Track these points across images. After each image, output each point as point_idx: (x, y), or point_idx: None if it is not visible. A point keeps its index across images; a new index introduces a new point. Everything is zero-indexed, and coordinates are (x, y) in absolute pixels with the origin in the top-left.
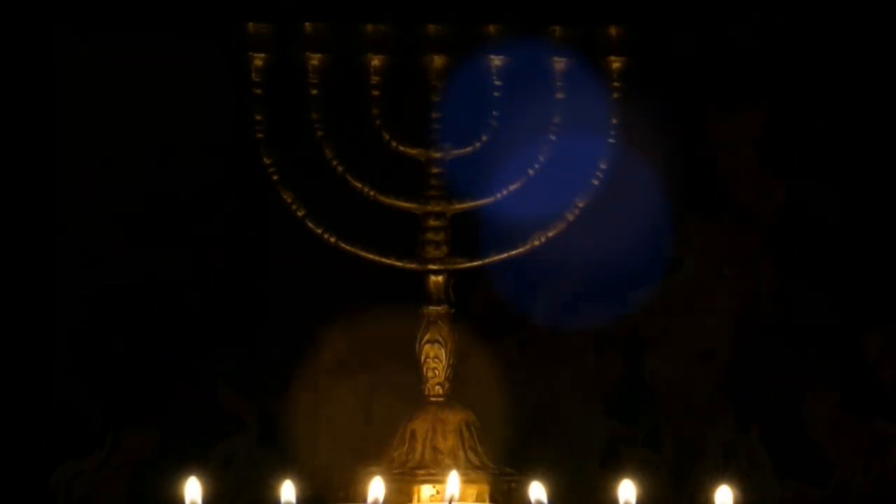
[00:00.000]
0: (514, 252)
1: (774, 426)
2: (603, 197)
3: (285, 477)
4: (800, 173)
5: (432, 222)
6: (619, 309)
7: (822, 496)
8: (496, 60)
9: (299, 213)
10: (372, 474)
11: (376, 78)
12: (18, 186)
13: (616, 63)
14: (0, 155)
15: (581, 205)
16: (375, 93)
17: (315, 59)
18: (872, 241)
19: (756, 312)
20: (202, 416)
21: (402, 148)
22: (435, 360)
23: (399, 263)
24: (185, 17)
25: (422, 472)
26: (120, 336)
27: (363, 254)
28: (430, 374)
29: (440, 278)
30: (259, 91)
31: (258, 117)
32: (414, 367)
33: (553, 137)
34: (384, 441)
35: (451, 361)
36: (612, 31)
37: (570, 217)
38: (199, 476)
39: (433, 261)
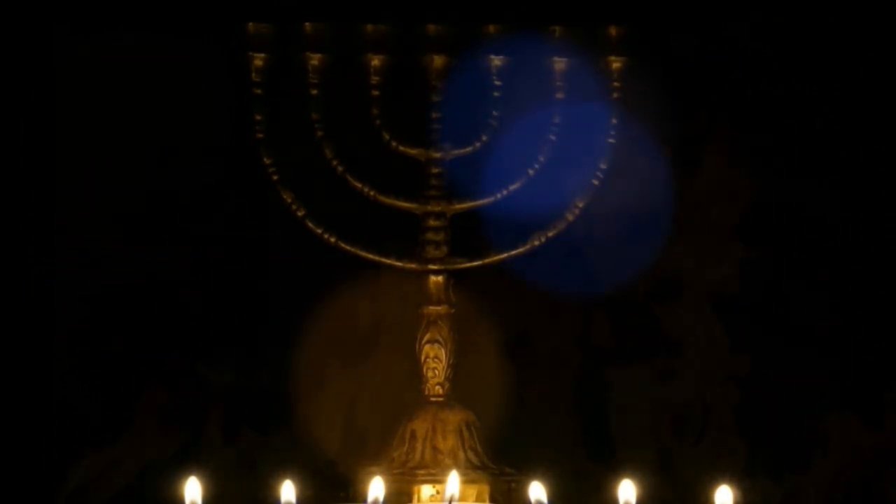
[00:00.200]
0: (514, 252)
1: (774, 426)
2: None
3: (285, 477)
4: (800, 173)
5: (432, 222)
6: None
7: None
8: (496, 60)
9: (299, 213)
10: (372, 474)
11: (376, 78)
12: (18, 186)
13: (616, 63)
14: (0, 155)
15: (581, 205)
16: (375, 93)
17: (315, 59)
18: (872, 241)
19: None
20: (202, 416)
21: (402, 148)
22: (435, 360)
23: (399, 263)
24: (185, 17)
25: (422, 472)
26: (120, 336)
27: (363, 254)
28: (430, 374)
29: (440, 278)
30: (259, 91)
31: (258, 117)
32: (413, 363)
33: (553, 137)
34: (383, 440)
35: (451, 361)
36: (612, 31)
37: (570, 217)
38: (199, 476)
39: (433, 261)
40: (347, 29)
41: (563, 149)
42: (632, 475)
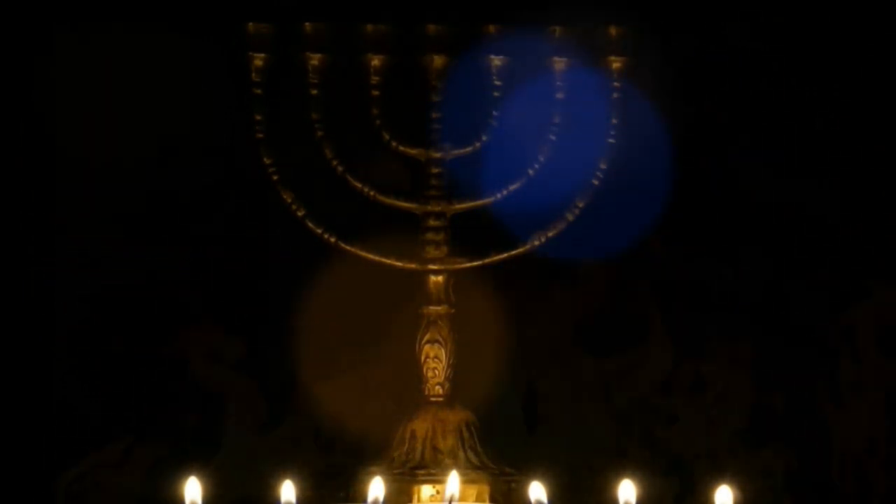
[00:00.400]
0: (514, 252)
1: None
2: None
3: (285, 477)
4: (800, 173)
5: (432, 222)
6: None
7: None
8: (496, 60)
9: (299, 213)
10: (372, 474)
11: (376, 78)
12: (18, 186)
13: (616, 63)
14: (0, 155)
15: (581, 205)
16: (375, 93)
17: (315, 59)
18: (873, 242)
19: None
20: (202, 416)
21: (402, 148)
22: (435, 360)
23: (399, 263)
24: (185, 17)
25: (422, 472)
26: (120, 336)
27: (363, 254)
28: (430, 374)
29: (440, 278)
30: (259, 91)
31: (258, 117)
32: (413, 365)
33: (553, 137)
34: (383, 440)
35: (451, 361)
36: (612, 31)
37: (570, 217)
38: (199, 476)
39: (433, 261)
40: (347, 29)
41: (563, 149)
42: (632, 475)
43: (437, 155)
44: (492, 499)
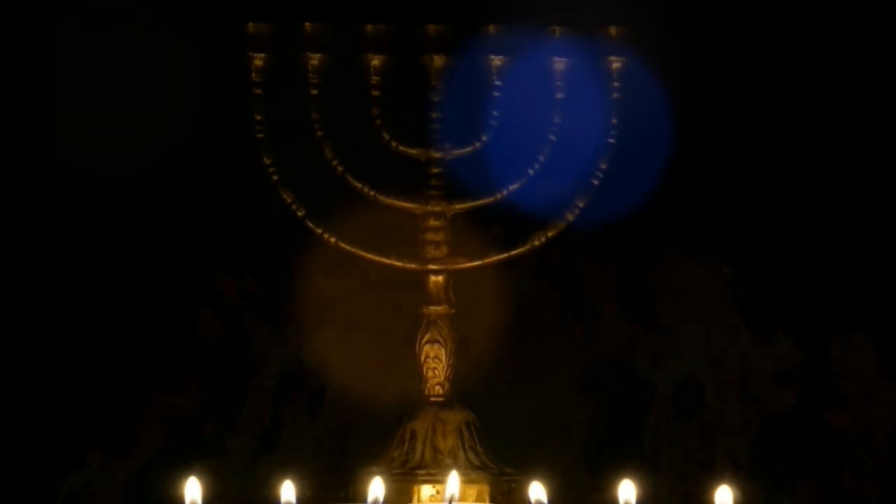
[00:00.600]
0: (514, 252)
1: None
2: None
3: (285, 477)
4: (800, 174)
5: (432, 222)
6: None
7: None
8: (496, 60)
9: (299, 213)
10: (372, 474)
11: (376, 78)
12: (18, 186)
13: (616, 63)
14: (0, 155)
15: (581, 205)
16: (375, 93)
17: (315, 59)
18: (873, 242)
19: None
20: (202, 416)
21: (402, 148)
22: (435, 360)
23: (399, 263)
24: (185, 17)
25: (422, 472)
26: (120, 336)
27: (363, 254)
28: (430, 374)
29: (440, 278)
30: (259, 91)
31: (258, 117)
32: (413, 363)
33: (553, 137)
34: (383, 440)
35: (451, 361)
36: (612, 31)
37: (570, 217)
38: (199, 476)
39: (433, 261)
40: (347, 29)
41: (563, 149)
42: (632, 475)
43: (437, 155)
44: (492, 499)
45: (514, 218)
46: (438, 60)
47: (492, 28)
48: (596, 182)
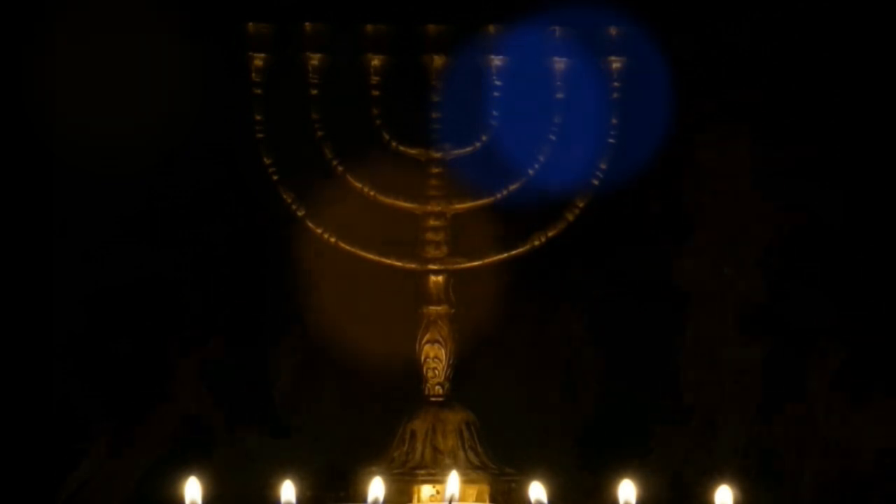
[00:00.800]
0: (514, 252)
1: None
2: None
3: (285, 477)
4: (800, 174)
5: (432, 222)
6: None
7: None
8: (496, 60)
9: (299, 213)
10: (372, 474)
11: (376, 78)
12: (18, 186)
13: (616, 63)
14: (0, 154)
15: (581, 205)
16: (375, 93)
17: (315, 59)
18: (874, 242)
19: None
20: (202, 417)
21: (402, 148)
22: (435, 360)
23: (399, 263)
24: (185, 17)
25: (422, 472)
26: (120, 336)
27: (363, 254)
28: (430, 374)
29: (440, 278)
30: (259, 91)
31: (258, 117)
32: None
33: (553, 137)
34: (383, 440)
35: (451, 361)
36: (612, 31)
37: (570, 217)
38: (199, 476)
39: (433, 261)
40: (347, 29)
41: (563, 149)
42: (632, 475)
43: (437, 155)
44: (492, 499)
45: (514, 218)
46: (438, 60)
47: (492, 28)
48: (596, 182)
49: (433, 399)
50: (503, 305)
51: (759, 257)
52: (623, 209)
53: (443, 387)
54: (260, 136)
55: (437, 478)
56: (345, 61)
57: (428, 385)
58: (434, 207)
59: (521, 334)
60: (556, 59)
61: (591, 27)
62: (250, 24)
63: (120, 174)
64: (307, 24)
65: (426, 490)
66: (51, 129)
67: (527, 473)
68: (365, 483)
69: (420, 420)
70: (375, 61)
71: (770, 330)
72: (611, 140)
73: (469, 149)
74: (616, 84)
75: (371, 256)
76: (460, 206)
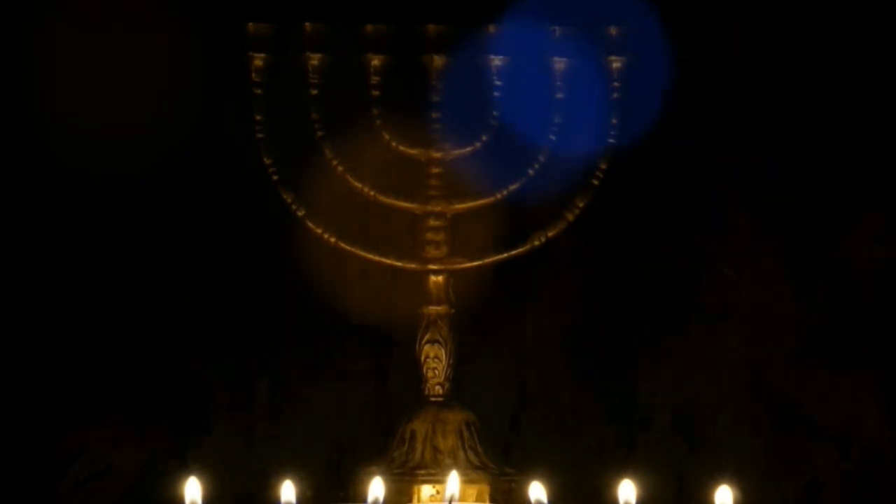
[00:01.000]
0: (514, 252)
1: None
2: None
3: (285, 477)
4: (800, 174)
5: (432, 222)
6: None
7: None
8: (496, 60)
9: (299, 213)
10: (372, 474)
11: (376, 78)
12: (18, 186)
13: (616, 63)
14: (0, 155)
15: (581, 205)
16: (375, 93)
17: (315, 59)
18: (873, 241)
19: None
20: (202, 417)
21: (402, 148)
22: (435, 360)
23: (399, 263)
24: (185, 17)
25: (422, 472)
26: (120, 336)
27: (363, 254)
28: (430, 374)
29: (440, 278)
30: (259, 91)
31: (258, 117)
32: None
33: (553, 137)
34: (383, 440)
35: (451, 361)
36: (612, 31)
37: (570, 217)
38: (199, 476)
39: (433, 261)
40: (347, 29)
41: (563, 149)
42: (632, 475)
43: (437, 155)
44: (492, 499)
45: (514, 218)
46: (438, 60)
47: (492, 28)
48: (596, 182)
49: (433, 399)
50: (503, 305)
51: (758, 257)
52: (623, 209)
53: (443, 387)
54: (260, 136)
55: (437, 478)
56: (345, 61)
57: (428, 385)
58: (434, 207)
59: (521, 334)
60: (556, 58)
61: (591, 26)
62: (250, 24)
63: (120, 174)
64: (307, 24)
65: (426, 490)
66: (51, 129)
67: (527, 473)
68: (365, 483)
69: (420, 420)
70: (375, 61)
71: (771, 330)
72: (611, 140)
73: (469, 149)
74: (616, 84)
75: (371, 256)
76: (460, 206)
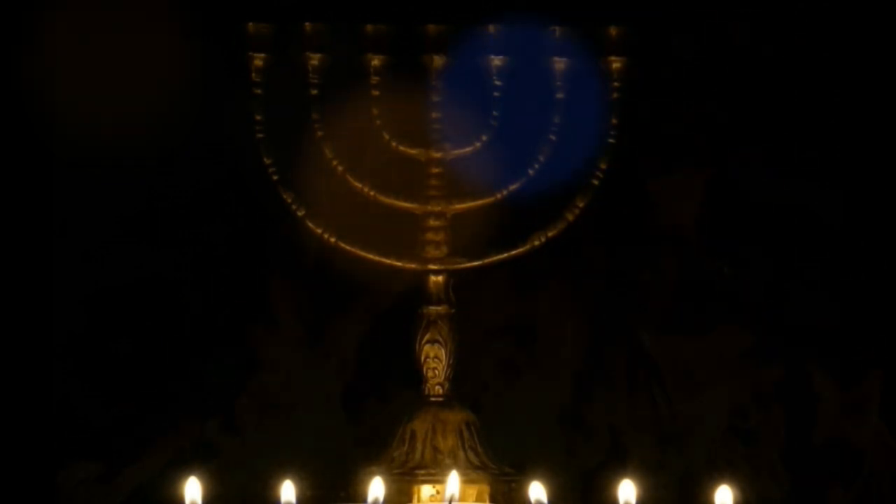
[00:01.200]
0: (514, 252)
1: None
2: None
3: (285, 477)
4: (800, 174)
5: (432, 222)
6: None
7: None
8: (496, 60)
9: (299, 213)
10: (372, 474)
11: (376, 78)
12: (18, 186)
13: (616, 63)
14: (0, 154)
15: (581, 205)
16: (375, 93)
17: (315, 59)
18: (874, 241)
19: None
20: (202, 417)
21: (402, 148)
22: (435, 360)
23: (399, 263)
24: (185, 17)
25: (422, 472)
26: (120, 336)
27: (363, 254)
28: (430, 374)
29: (440, 278)
30: (259, 91)
31: (258, 117)
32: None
33: (553, 137)
34: (383, 440)
35: (450, 361)
36: (612, 31)
37: (570, 217)
38: (199, 476)
39: (433, 261)
40: (347, 29)
41: (563, 149)
42: (632, 475)
43: (437, 155)
44: (492, 499)
45: (514, 218)
46: (438, 60)
47: (492, 28)
48: (596, 182)
49: (433, 399)
50: (503, 305)
51: (759, 257)
52: (623, 209)
53: (443, 387)
54: (260, 136)
55: (437, 478)
56: (345, 61)
57: (428, 385)
58: (434, 207)
59: (521, 334)
60: (556, 59)
61: (591, 27)
62: (250, 24)
63: (120, 174)
64: (307, 24)
65: (426, 490)
66: (51, 129)
67: (527, 473)
68: (365, 483)
69: (420, 420)
70: (375, 61)
71: (772, 329)
72: (611, 140)
73: (469, 149)
74: (616, 84)
75: (371, 256)
76: (460, 206)
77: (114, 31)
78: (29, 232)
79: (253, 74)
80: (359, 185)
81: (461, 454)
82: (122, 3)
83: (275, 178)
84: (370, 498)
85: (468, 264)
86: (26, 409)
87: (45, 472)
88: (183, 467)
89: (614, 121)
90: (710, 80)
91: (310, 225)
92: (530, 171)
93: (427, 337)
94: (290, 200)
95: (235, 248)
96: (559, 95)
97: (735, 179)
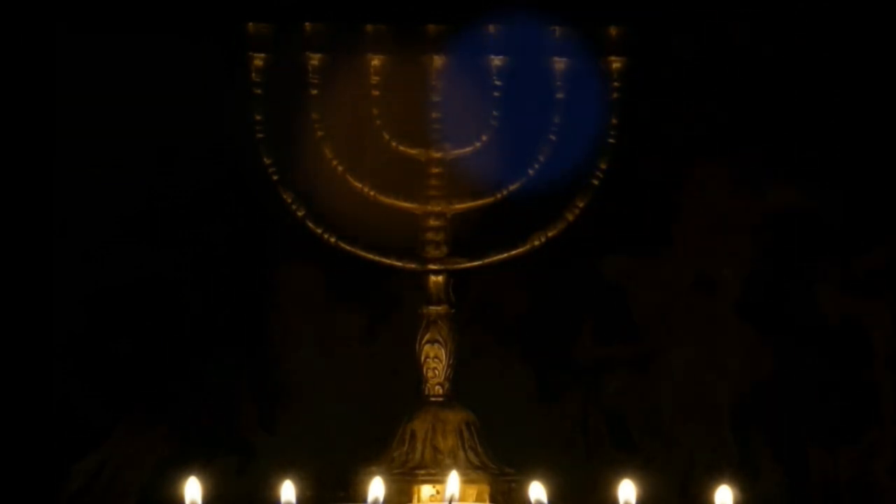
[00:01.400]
0: (514, 252)
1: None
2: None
3: (285, 477)
4: (800, 174)
5: (432, 222)
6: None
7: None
8: (496, 60)
9: (299, 213)
10: (372, 474)
11: (376, 78)
12: (18, 186)
13: (616, 63)
14: (0, 154)
15: (581, 205)
16: (375, 93)
17: (315, 59)
18: (873, 242)
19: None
20: (202, 417)
21: (402, 148)
22: (435, 360)
23: (399, 263)
24: (185, 17)
25: (422, 472)
26: (120, 336)
27: (363, 254)
28: (430, 374)
29: (440, 278)
30: (259, 91)
31: (258, 117)
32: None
33: (553, 137)
34: (383, 440)
35: (451, 361)
36: (612, 31)
37: (570, 217)
38: (200, 476)
39: (433, 261)
40: (347, 29)
41: (563, 149)
42: (632, 475)
43: (437, 155)
44: (492, 499)
45: (514, 218)
46: (438, 60)
47: (492, 28)
48: (596, 182)
49: (433, 399)
50: (503, 305)
51: (759, 257)
52: (623, 209)
53: (443, 387)
54: (260, 136)
55: (437, 478)
56: (344, 61)
57: (428, 385)
58: (434, 207)
59: (521, 334)
60: (556, 59)
61: (591, 27)
62: (250, 24)
63: (120, 174)
64: (307, 24)
65: (426, 490)
66: (51, 129)
67: (527, 473)
68: (365, 483)
69: (420, 420)
70: (375, 61)
71: (773, 329)
72: (611, 140)
73: (469, 149)
74: (616, 84)
75: (371, 256)
76: (460, 206)
77: (114, 30)
78: (29, 232)
79: (253, 74)
80: (359, 185)
81: (461, 454)
82: (122, 3)
83: (275, 178)
84: (370, 498)
85: (468, 264)
86: (26, 409)
87: (45, 472)
88: (183, 467)
89: (614, 121)
90: (710, 80)
91: (310, 225)
92: (530, 171)
93: (427, 337)
94: (290, 200)
95: (235, 248)
96: (559, 95)
97: (736, 179)
